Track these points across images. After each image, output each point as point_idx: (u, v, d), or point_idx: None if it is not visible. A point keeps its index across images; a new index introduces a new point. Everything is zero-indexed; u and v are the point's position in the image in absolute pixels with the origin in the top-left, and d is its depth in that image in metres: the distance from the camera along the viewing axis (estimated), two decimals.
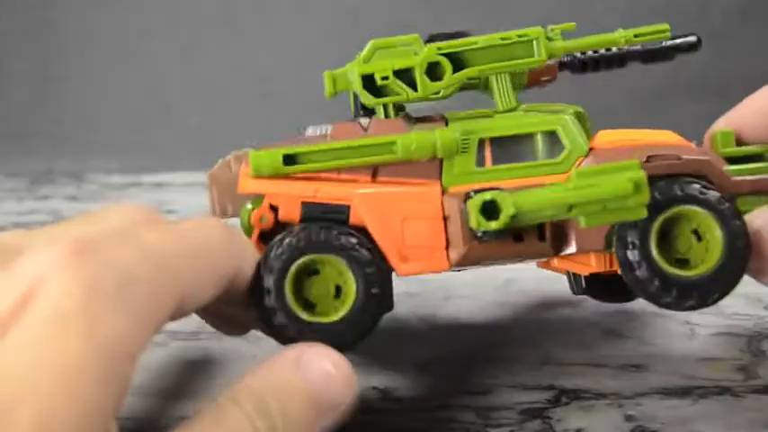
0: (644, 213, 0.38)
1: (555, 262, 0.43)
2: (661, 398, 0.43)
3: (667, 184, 0.40)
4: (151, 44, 0.93)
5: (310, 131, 0.43)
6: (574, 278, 0.49)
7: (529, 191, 0.39)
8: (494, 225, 0.38)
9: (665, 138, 0.42)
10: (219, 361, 0.45)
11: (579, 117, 0.43)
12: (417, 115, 0.43)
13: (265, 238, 0.42)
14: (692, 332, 0.51)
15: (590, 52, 0.45)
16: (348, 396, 0.34)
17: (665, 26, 0.42)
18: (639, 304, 0.56)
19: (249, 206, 0.43)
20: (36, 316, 0.29)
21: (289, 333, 0.40)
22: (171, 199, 0.82)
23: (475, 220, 0.38)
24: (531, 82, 0.44)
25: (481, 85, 0.43)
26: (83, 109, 0.93)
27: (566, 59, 0.45)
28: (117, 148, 0.90)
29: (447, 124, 0.43)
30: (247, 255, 0.39)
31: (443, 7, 0.86)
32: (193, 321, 0.49)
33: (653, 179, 0.40)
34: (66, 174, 0.91)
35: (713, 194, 0.40)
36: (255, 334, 0.49)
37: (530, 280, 0.60)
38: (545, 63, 0.42)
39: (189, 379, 0.48)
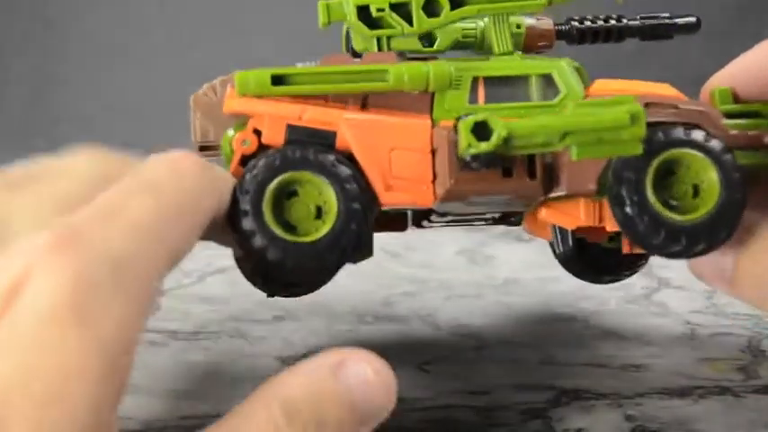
0: (639, 149, 0.37)
1: (543, 213, 0.41)
2: (661, 398, 0.43)
3: (666, 128, 0.39)
4: (151, 44, 0.93)
5: (299, 66, 0.42)
6: (561, 237, 0.48)
7: (523, 118, 0.38)
8: (484, 146, 0.37)
9: (662, 90, 0.41)
10: (219, 361, 0.45)
11: (577, 70, 0.42)
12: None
13: (246, 163, 0.40)
14: (692, 332, 0.51)
15: (588, 23, 0.44)
16: (389, 404, 0.33)
17: None
18: (640, 304, 0.56)
19: (231, 132, 0.41)
20: (23, 314, 0.27)
21: (269, 255, 0.38)
22: None
23: (466, 140, 0.37)
24: (528, 47, 0.43)
25: (476, 45, 0.43)
26: (83, 109, 0.93)
27: (564, 28, 0.44)
28: (117, 149, 0.91)
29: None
30: (225, 188, 0.37)
31: None
32: (194, 321, 0.49)
33: (651, 126, 0.38)
34: None
35: (716, 143, 0.39)
36: (256, 334, 0.49)
37: (530, 280, 0.60)
38: (544, 7, 0.41)
39: (189, 379, 0.48)
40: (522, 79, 0.40)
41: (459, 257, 0.68)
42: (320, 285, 0.47)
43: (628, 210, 0.39)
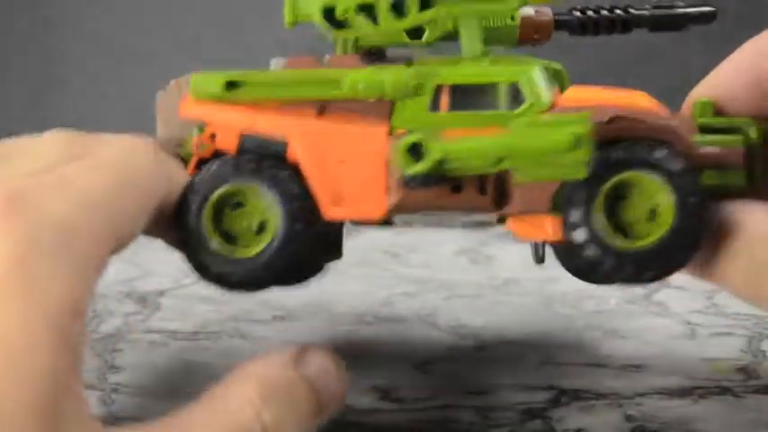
0: (584, 173, 0.36)
1: (510, 224, 0.39)
2: (661, 398, 0.43)
3: (627, 145, 0.37)
4: (151, 44, 0.93)
5: (273, 63, 0.42)
6: (535, 245, 0.45)
7: (460, 138, 0.37)
8: (419, 168, 0.36)
9: (637, 99, 0.39)
10: (219, 361, 0.45)
11: (555, 74, 0.41)
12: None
13: (202, 166, 0.40)
14: (692, 332, 0.51)
15: (590, 12, 0.42)
16: (342, 396, 0.35)
17: None
18: (640, 304, 0.56)
19: (195, 132, 0.41)
20: None
21: (203, 261, 0.38)
22: None
23: (399, 161, 0.36)
24: (522, 39, 0.42)
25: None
26: (83, 109, 0.93)
27: (564, 18, 0.42)
28: None
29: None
30: (176, 177, 0.38)
31: None
32: (194, 321, 0.49)
33: (614, 141, 0.37)
34: None
35: (675, 164, 0.36)
36: (256, 334, 0.49)
37: (530, 280, 0.60)
38: (517, 11, 0.40)
39: (189, 379, 0.48)
40: (488, 87, 0.39)
41: (460, 257, 0.68)
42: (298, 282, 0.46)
43: (575, 235, 0.37)
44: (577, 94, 0.39)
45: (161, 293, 0.59)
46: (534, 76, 0.38)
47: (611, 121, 0.37)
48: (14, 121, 0.95)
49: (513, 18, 0.41)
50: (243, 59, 0.97)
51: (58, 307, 0.28)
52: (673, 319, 0.53)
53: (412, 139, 0.36)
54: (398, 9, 0.39)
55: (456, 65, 0.40)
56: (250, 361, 0.34)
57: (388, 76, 0.38)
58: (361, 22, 0.39)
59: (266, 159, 0.39)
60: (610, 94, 0.39)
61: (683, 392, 0.43)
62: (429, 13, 0.39)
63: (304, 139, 0.39)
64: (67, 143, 0.36)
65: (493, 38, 0.41)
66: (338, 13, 0.40)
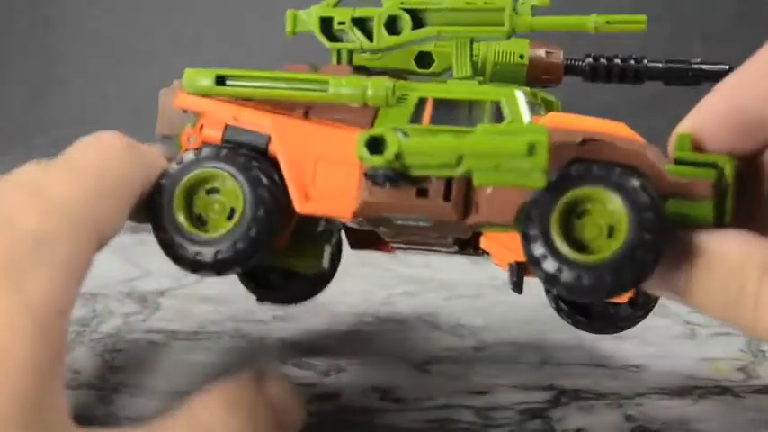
0: (542, 182, 0.35)
1: (482, 242, 0.40)
2: (661, 398, 0.43)
3: (587, 163, 0.37)
4: (151, 44, 0.93)
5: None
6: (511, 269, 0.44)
7: (423, 138, 0.37)
8: (377, 160, 0.36)
9: (615, 129, 0.39)
10: (219, 361, 0.45)
11: (546, 103, 0.41)
12: None
13: None
14: (692, 332, 0.51)
15: (603, 60, 0.42)
16: (299, 421, 0.36)
17: (642, 17, 0.39)
18: None
19: (188, 127, 0.42)
20: None
21: (169, 240, 0.39)
22: None
23: (359, 152, 0.36)
24: (530, 79, 0.42)
25: (476, 71, 0.42)
26: (83, 109, 0.93)
27: (575, 63, 0.43)
28: None
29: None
30: (152, 164, 0.38)
31: None
32: (194, 321, 0.49)
33: (580, 162, 0.37)
34: None
35: (633, 182, 0.36)
36: (256, 334, 0.49)
37: (530, 280, 0.60)
38: (508, 35, 0.39)
39: (189, 379, 0.48)
40: (470, 104, 0.39)
41: (460, 257, 0.68)
42: (307, 297, 0.48)
43: (533, 249, 0.37)
44: (556, 119, 0.39)
45: (161, 293, 0.59)
46: (516, 97, 0.39)
47: (584, 142, 0.37)
48: (14, 121, 0.95)
49: (522, 57, 0.42)
50: (243, 59, 0.97)
51: (40, 305, 0.29)
52: (673, 319, 0.53)
53: (370, 134, 0.36)
54: (392, 26, 0.40)
55: (442, 81, 0.40)
56: (216, 382, 0.36)
57: (372, 83, 0.39)
58: (356, 35, 0.40)
59: (244, 149, 0.40)
60: (587, 122, 0.39)
61: (683, 392, 0.43)
62: (422, 32, 0.40)
63: (285, 136, 0.40)
64: (38, 162, 0.37)
65: (501, 75, 0.42)
66: (334, 26, 0.41)
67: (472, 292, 0.59)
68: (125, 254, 0.66)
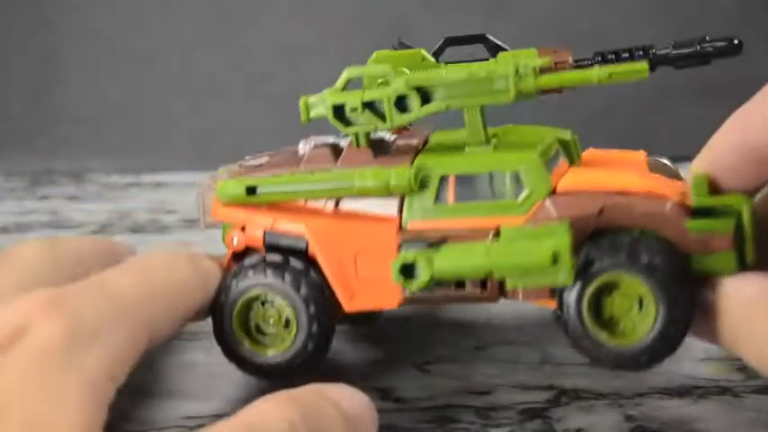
0: (569, 280, 0.38)
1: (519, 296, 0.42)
2: (661, 398, 0.43)
3: (610, 244, 0.38)
4: (151, 44, 0.93)
5: (301, 146, 0.45)
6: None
7: (451, 251, 0.39)
8: (413, 287, 0.39)
9: (632, 181, 0.40)
10: (219, 361, 0.45)
11: (564, 145, 0.42)
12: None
13: (238, 257, 0.44)
14: None
15: (611, 56, 0.42)
16: (374, 423, 0.37)
17: (643, 66, 0.40)
18: None
19: (231, 228, 0.44)
20: (26, 350, 0.34)
21: (233, 355, 0.44)
22: (171, 199, 0.82)
23: (395, 278, 0.39)
24: (543, 90, 0.42)
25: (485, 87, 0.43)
26: (83, 109, 0.93)
27: (584, 64, 0.42)
28: (117, 148, 0.90)
29: (425, 145, 0.43)
30: (213, 284, 0.42)
31: (444, 7, 0.86)
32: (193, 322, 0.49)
33: (602, 231, 0.39)
34: (66, 174, 0.91)
35: (653, 260, 0.38)
36: None
37: None
38: (514, 100, 0.41)
39: (189, 379, 0.48)
40: (491, 176, 0.41)
41: None
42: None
43: (571, 330, 0.39)
44: (575, 179, 0.41)
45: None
46: (534, 165, 0.40)
47: (601, 212, 0.39)
48: (14, 120, 0.95)
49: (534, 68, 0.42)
50: (243, 59, 0.97)
51: (91, 372, 0.34)
52: None
53: (403, 260, 0.38)
54: (402, 104, 0.41)
55: (459, 154, 0.42)
56: (279, 392, 0.35)
57: (395, 173, 0.41)
58: (369, 117, 0.41)
59: (288, 262, 0.42)
60: (607, 176, 0.40)
61: (683, 392, 0.43)
62: (432, 107, 0.41)
63: (320, 237, 0.42)
64: (112, 253, 0.44)
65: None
66: (347, 112, 0.42)
67: None
68: None
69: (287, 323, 0.43)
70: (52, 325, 0.34)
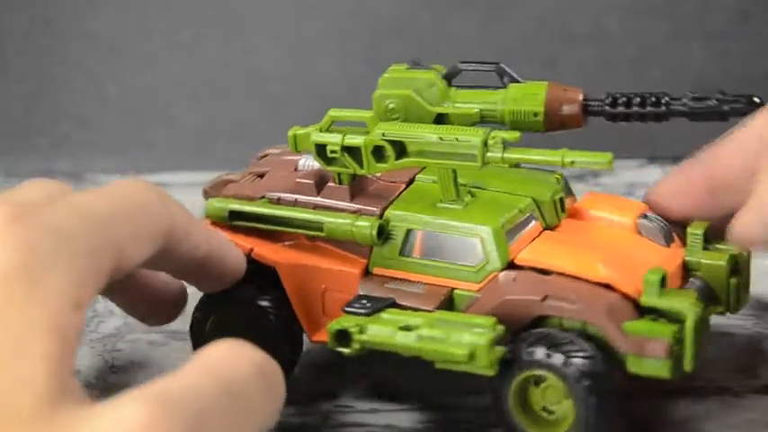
0: (491, 372, 0.38)
1: None
2: (661, 398, 0.43)
3: (522, 345, 0.39)
4: (151, 44, 0.93)
5: (302, 163, 0.46)
6: None
7: (386, 324, 0.39)
8: (346, 351, 0.39)
9: (596, 266, 0.39)
10: None
11: (543, 203, 0.42)
12: None
13: None
14: None
15: (621, 107, 0.42)
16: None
17: (607, 157, 0.39)
18: None
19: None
20: None
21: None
22: None
23: (330, 344, 0.40)
24: (549, 127, 0.42)
25: (498, 121, 0.43)
26: (83, 109, 0.93)
27: (593, 109, 0.42)
28: (117, 148, 0.90)
29: (408, 186, 0.44)
30: (179, 215, 0.39)
31: (444, 7, 0.86)
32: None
33: (545, 317, 0.39)
34: (67, 174, 0.91)
35: (571, 367, 0.38)
36: None
37: None
38: (482, 166, 0.40)
39: None
40: (454, 238, 0.41)
41: None
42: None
43: (499, 413, 0.40)
44: (535, 253, 0.41)
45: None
46: (493, 236, 0.40)
47: (545, 299, 0.39)
48: (14, 121, 0.95)
49: (536, 114, 0.42)
50: (243, 59, 0.97)
51: (55, 301, 0.30)
52: None
53: (338, 326, 0.39)
54: (379, 155, 0.42)
55: (430, 209, 0.42)
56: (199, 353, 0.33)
57: (357, 230, 0.42)
58: (348, 161, 0.43)
59: (260, 294, 0.44)
60: (569, 255, 0.40)
61: (683, 392, 0.43)
62: (406, 162, 0.42)
63: (289, 271, 0.44)
64: (64, 188, 0.39)
65: (518, 126, 0.42)
66: (328, 152, 0.43)
67: None
68: None
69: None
70: (9, 246, 0.31)
